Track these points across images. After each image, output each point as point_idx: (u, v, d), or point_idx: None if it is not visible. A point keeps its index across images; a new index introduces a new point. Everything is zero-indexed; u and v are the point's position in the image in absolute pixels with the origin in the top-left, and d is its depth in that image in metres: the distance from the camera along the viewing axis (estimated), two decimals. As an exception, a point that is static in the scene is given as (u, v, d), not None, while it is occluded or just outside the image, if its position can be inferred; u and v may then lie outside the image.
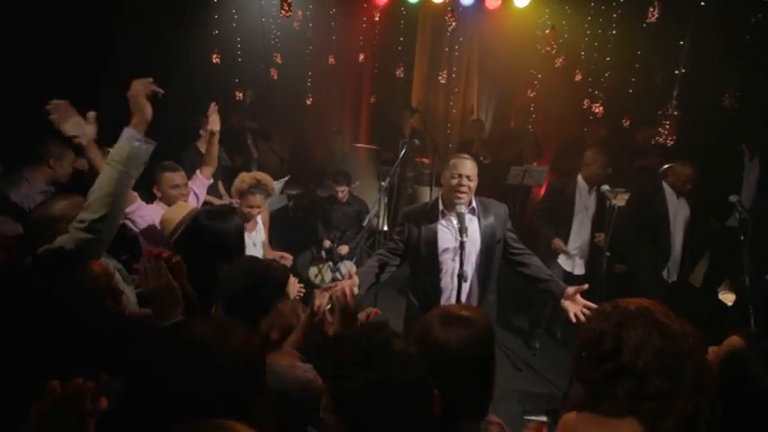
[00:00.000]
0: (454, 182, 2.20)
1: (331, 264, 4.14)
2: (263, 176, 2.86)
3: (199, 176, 3.01)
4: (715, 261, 4.54)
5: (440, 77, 4.87)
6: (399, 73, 5.36)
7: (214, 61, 4.48)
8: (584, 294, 2.12)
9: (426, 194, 5.66)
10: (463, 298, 2.26)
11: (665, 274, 3.56)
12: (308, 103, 5.74)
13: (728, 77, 3.69)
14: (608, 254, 3.04)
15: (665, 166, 3.78)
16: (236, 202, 3.00)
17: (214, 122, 2.81)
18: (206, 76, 4.38)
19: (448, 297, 2.33)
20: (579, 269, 3.69)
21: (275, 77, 5.35)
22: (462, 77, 6.31)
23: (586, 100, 5.20)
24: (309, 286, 3.69)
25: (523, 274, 2.32)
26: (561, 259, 3.63)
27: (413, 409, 0.90)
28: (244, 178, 2.87)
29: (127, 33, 3.68)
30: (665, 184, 3.49)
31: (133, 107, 1.52)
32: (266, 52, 5.15)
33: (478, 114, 6.47)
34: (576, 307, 2.04)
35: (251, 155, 5.39)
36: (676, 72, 2.82)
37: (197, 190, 2.96)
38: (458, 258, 2.26)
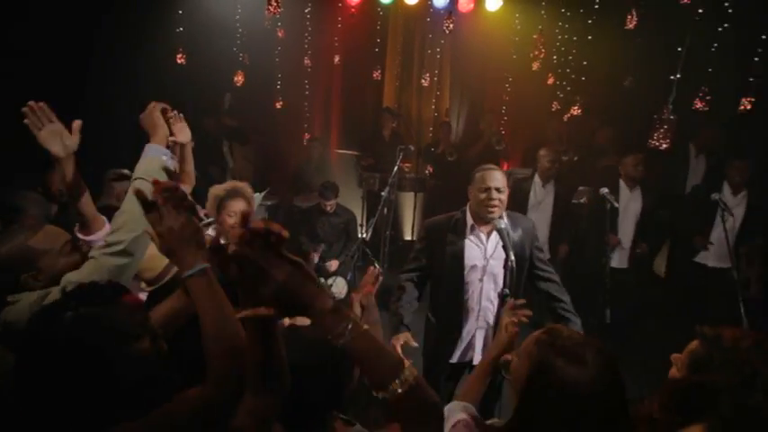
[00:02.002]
0: (483, 196, 2.07)
1: (323, 280, 3.89)
2: (240, 183, 2.52)
3: None
4: (676, 252, 4.90)
5: (423, 81, 4.78)
6: (377, 75, 5.20)
7: (179, 61, 4.05)
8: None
9: (409, 199, 5.56)
10: (491, 320, 2.17)
11: (613, 260, 3.75)
12: (278, 107, 5.41)
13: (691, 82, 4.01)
14: (611, 255, 3.09)
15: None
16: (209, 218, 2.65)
17: (180, 132, 2.19)
18: (172, 77, 3.95)
19: (476, 318, 2.21)
20: None
21: (242, 79, 4.97)
22: (436, 80, 6.27)
23: (555, 102, 5.38)
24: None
25: (544, 300, 2.25)
26: None
27: None
28: (217, 188, 2.49)
29: (88, 35, 3.24)
30: (620, 181, 3.78)
31: (149, 125, 1.45)
32: (236, 52, 4.77)
33: (451, 116, 6.48)
34: None
35: (226, 164, 4.98)
36: (672, 77, 2.92)
37: None
38: (485, 278, 2.17)
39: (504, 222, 1.96)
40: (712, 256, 3.94)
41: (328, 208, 4.12)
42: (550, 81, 5.14)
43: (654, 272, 5.17)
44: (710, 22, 3.42)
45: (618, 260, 3.85)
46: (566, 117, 4.85)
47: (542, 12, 5.02)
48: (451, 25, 3.76)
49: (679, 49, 3.02)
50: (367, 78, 5.43)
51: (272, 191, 4.72)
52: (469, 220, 2.17)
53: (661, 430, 0.89)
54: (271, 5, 3.02)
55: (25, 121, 1.45)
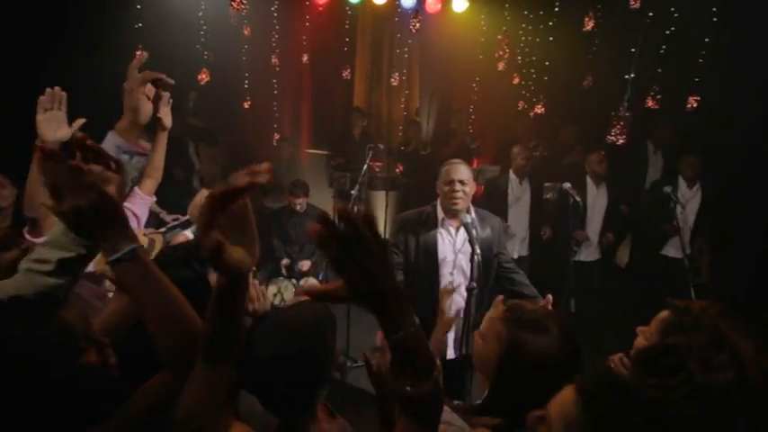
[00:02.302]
0: (447, 188, 2.15)
1: (294, 281, 3.84)
2: None
3: (138, 193, 2.51)
4: (638, 244, 5.18)
5: (392, 80, 4.82)
6: (346, 75, 5.19)
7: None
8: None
9: (381, 198, 5.56)
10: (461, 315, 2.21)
11: (584, 254, 4.00)
12: (246, 106, 5.30)
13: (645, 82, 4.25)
14: (576, 249, 3.23)
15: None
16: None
17: (165, 116, 2.33)
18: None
19: (447, 314, 2.25)
20: (522, 251, 4.07)
21: (207, 78, 4.85)
22: (405, 79, 6.34)
23: (521, 102, 5.54)
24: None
25: (509, 290, 2.33)
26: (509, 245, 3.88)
27: None
28: (204, 194, 2.42)
29: (44, 32, 3.09)
30: (587, 178, 3.97)
31: (126, 103, 1.16)
32: (200, 50, 4.64)
33: (421, 116, 6.58)
34: None
35: (192, 165, 4.82)
36: (626, 77, 3.10)
37: (137, 211, 2.46)
38: (455, 272, 2.22)
39: (470, 217, 2.02)
40: (672, 247, 4.13)
41: (298, 207, 4.08)
42: (516, 81, 5.29)
43: (616, 263, 5.45)
44: (659, 26, 3.63)
45: (587, 254, 4.03)
46: (531, 114, 5.01)
47: (506, 14, 5.16)
48: (418, 24, 3.80)
49: (633, 50, 3.21)
50: (337, 78, 5.40)
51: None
52: (440, 214, 2.23)
53: None
54: (234, 1, 2.95)
55: (41, 97, 1.45)
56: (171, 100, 2.45)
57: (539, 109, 4.71)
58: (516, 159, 4.01)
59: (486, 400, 1.04)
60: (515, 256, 3.91)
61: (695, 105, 3.42)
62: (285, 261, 4.00)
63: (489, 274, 2.23)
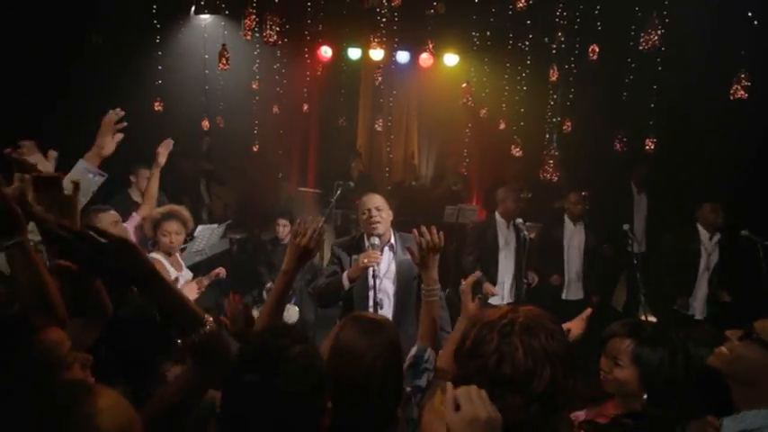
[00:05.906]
0: (365, 216, 2.40)
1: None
2: (177, 207, 2.90)
3: (136, 218, 3.05)
4: (632, 286, 5.04)
5: (376, 125, 5.30)
6: (342, 122, 5.76)
7: (156, 109, 4.63)
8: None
9: (370, 234, 5.89)
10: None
11: (563, 294, 3.94)
12: (255, 150, 5.94)
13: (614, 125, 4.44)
14: (526, 281, 3.33)
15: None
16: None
17: (161, 156, 2.96)
18: (147, 124, 4.52)
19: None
20: (509, 298, 3.88)
21: (222, 125, 5.57)
22: (402, 126, 6.90)
23: (513, 145, 5.81)
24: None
25: None
26: (493, 300, 3.75)
27: (297, 420, 0.90)
28: (156, 210, 2.91)
29: (75, 77, 3.93)
30: (565, 216, 4.02)
31: (97, 142, 1.77)
32: (210, 102, 5.40)
33: (420, 159, 7.05)
34: None
35: (202, 200, 5.46)
36: (554, 119, 3.40)
37: (129, 226, 2.98)
38: (380, 295, 2.37)
39: (376, 239, 2.25)
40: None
41: (281, 230, 4.46)
42: (502, 126, 5.60)
43: (612, 306, 5.29)
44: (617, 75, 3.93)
45: (568, 292, 4.00)
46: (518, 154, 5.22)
47: (485, 67, 5.61)
48: (380, 78, 4.27)
49: (554, 96, 3.53)
50: (338, 124, 6.01)
51: (239, 224, 5.13)
52: (366, 241, 2.46)
53: None
54: (221, 62, 3.63)
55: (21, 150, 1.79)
56: (173, 143, 3.08)
57: (517, 152, 4.96)
58: (506, 202, 3.80)
59: None
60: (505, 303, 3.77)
61: (652, 147, 3.55)
62: (269, 285, 4.34)
63: (408, 294, 2.35)
